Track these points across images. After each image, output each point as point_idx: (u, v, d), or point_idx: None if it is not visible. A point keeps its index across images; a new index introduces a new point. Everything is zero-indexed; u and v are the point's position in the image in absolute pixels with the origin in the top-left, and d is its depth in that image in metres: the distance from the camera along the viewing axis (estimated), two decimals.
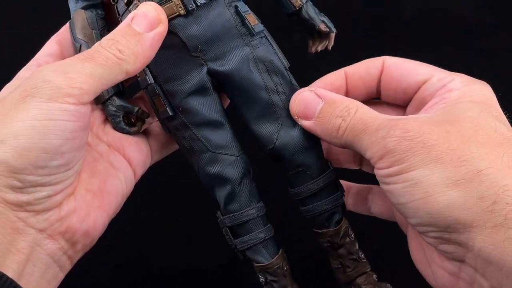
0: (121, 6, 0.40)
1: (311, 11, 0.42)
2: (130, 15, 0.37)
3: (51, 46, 0.42)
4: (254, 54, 0.40)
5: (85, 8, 0.42)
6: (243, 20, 0.39)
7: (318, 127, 0.38)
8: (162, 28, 0.37)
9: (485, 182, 0.32)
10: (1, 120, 0.33)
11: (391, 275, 0.41)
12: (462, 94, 0.37)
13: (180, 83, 0.39)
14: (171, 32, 0.38)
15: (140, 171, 0.42)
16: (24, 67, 0.41)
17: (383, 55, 0.41)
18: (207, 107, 0.40)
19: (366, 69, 0.41)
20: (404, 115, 0.41)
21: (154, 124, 0.44)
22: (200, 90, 0.40)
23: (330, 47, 0.44)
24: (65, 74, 0.34)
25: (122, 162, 0.41)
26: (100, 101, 0.41)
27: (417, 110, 0.40)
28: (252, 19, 0.40)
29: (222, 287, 0.63)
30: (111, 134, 0.41)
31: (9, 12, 0.71)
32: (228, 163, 0.40)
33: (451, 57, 0.68)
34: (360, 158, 0.45)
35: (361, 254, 0.41)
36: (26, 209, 0.33)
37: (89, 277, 0.60)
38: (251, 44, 0.40)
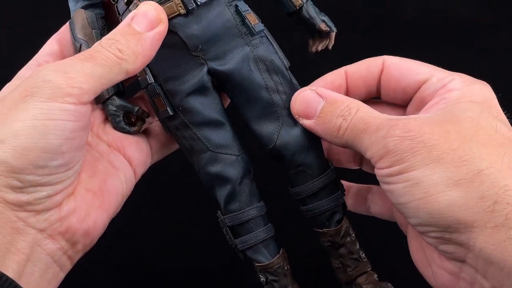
0: (121, 5, 0.40)
1: (311, 11, 0.42)
2: (130, 15, 0.37)
3: (51, 45, 0.42)
4: (254, 54, 0.40)
5: (85, 7, 0.42)
6: (243, 20, 0.39)
7: (319, 126, 0.38)
8: (162, 28, 0.37)
9: (486, 182, 0.32)
10: (1, 120, 0.33)
11: (391, 275, 0.41)
12: (462, 94, 0.37)
13: (180, 82, 0.39)
14: (171, 32, 0.38)
15: (141, 171, 0.42)
16: (24, 66, 0.41)
17: (383, 54, 0.41)
18: (208, 106, 0.40)
19: (366, 69, 0.41)
20: (404, 115, 0.41)
21: (154, 123, 0.44)
22: (200, 90, 0.40)
23: (330, 47, 0.44)
24: (65, 74, 0.34)
25: (122, 161, 0.41)
26: (100, 101, 0.41)
27: (417, 110, 0.40)
28: (252, 19, 0.40)
29: (222, 286, 0.63)
30: (111, 133, 0.41)
31: (9, 12, 0.71)
32: (229, 163, 0.40)
33: (451, 57, 0.68)
34: (360, 158, 0.45)
35: (362, 254, 0.41)
36: (26, 209, 0.33)
37: (89, 277, 0.60)
38: (251, 44, 0.40)
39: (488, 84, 0.38)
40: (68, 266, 0.37)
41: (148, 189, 0.62)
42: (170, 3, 0.38)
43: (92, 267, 0.58)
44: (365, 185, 0.46)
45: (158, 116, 0.41)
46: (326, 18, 0.43)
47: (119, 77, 0.35)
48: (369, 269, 0.41)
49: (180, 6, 0.38)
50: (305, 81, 0.41)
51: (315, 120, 0.38)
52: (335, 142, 0.38)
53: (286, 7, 0.42)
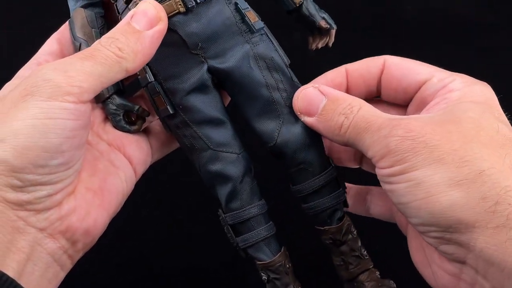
0: (120, 4, 0.40)
1: (311, 8, 0.42)
2: (129, 13, 0.37)
3: (51, 44, 0.42)
4: (254, 51, 0.40)
5: (84, 6, 0.42)
6: (243, 17, 0.39)
7: (320, 124, 0.38)
8: (161, 26, 0.37)
9: (488, 182, 0.32)
10: (1, 119, 0.33)
11: (392, 276, 0.41)
12: (463, 95, 0.37)
13: (181, 81, 0.39)
14: (171, 30, 0.38)
15: (141, 170, 0.42)
16: (24, 66, 0.41)
17: (383, 53, 0.41)
18: (208, 105, 0.40)
19: (367, 67, 0.41)
20: (404, 114, 0.41)
21: (154, 122, 0.44)
22: (200, 88, 0.39)
23: (330, 44, 0.44)
24: (65, 73, 0.34)
25: (123, 160, 0.41)
26: (100, 100, 0.41)
27: (418, 110, 0.40)
28: (252, 16, 0.40)
29: (223, 285, 0.63)
30: (111, 132, 0.41)
31: (9, 12, 0.71)
32: (229, 161, 0.40)
33: (451, 56, 0.68)
34: (360, 157, 0.45)
35: (364, 251, 0.41)
36: (26, 208, 0.33)
37: (89, 276, 0.60)
38: (251, 41, 0.40)
39: (488, 85, 0.38)
40: (69, 266, 0.37)
41: (148, 188, 0.61)
42: (170, 1, 0.38)
43: (93, 267, 0.58)
44: (364, 186, 0.46)
45: (158, 115, 0.41)
46: (326, 15, 0.43)
47: (119, 75, 0.35)
48: (371, 267, 0.41)
49: (180, 4, 0.38)
50: (305, 80, 0.41)
51: (317, 118, 0.38)
52: (337, 140, 0.38)
53: (286, 5, 0.42)
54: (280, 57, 0.40)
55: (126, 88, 0.42)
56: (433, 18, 0.72)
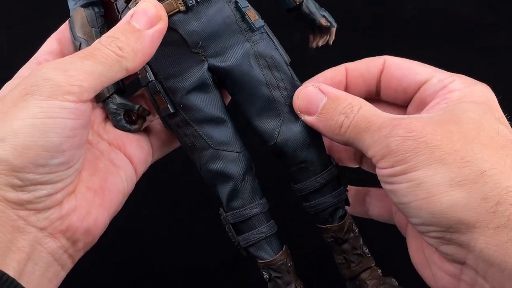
0: (120, 3, 0.40)
1: (311, 6, 0.42)
2: (129, 12, 0.37)
3: (51, 44, 0.42)
4: (254, 50, 0.39)
5: (84, 6, 0.42)
6: (243, 16, 0.39)
7: (320, 123, 0.38)
8: (162, 25, 0.37)
9: (489, 183, 0.32)
10: (1, 119, 0.33)
11: (392, 276, 0.41)
12: (464, 95, 0.37)
13: (181, 79, 0.39)
14: (171, 29, 0.38)
15: (141, 169, 0.42)
16: (24, 65, 0.41)
17: (383, 53, 0.41)
18: (209, 103, 0.40)
19: (367, 67, 0.41)
20: (404, 114, 0.41)
21: (155, 121, 0.44)
22: (201, 87, 0.39)
23: (331, 42, 0.44)
24: (65, 72, 0.34)
25: (123, 160, 0.40)
26: (100, 99, 0.41)
27: (418, 110, 0.40)
28: (252, 15, 0.40)
29: (225, 284, 0.63)
30: (111, 132, 0.41)
31: (9, 12, 0.71)
32: (230, 160, 0.40)
33: (451, 56, 0.68)
34: (360, 156, 0.45)
35: (366, 249, 0.41)
36: (26, 207, 0.33)
37: (90, 276, 0.60)
38: (251, 40, 0.40)
39: (488, 86, 0.38)
40: (69, 265, 0.37)
41: (149, 187, 0.61)
42: (170, 0, 0.38)
43: (93, 266, 0.58)
44: (363, 188, 0.46)
45: (159, 114, 0.41)
46: (326, 14, 0.43)
47: (119, 75, 0.35)
48: (373, 265, 0.41)
49: (180, 3, 0.38)
50: (304, 80, 0.41)
51: (317, 117, 0.38)
52: (337, 140, 0.38)
53: (286, 3, 0.42)
54: (280, 55, 0.40)
55: (126, 87, 0.42)
56: (433, 18, 0.72)
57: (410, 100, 0.40)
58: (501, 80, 0.44)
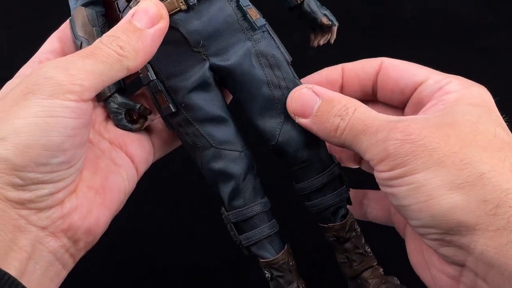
0: (121, 2, 0.40)
1: (312, 5, 0.42)
2: (130, 11, 0.37)
3: (52, 43, 0.42)
4: (256, 49, 0.39)
5: (85, 5, 0.41)
6: (244, 15, 0.39)
7: (315, 125, 0.38)
8: (163, 24, 0.37)
9: (488, 185, 0.32)
10: (3, 117, 0.33)
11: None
12: (461, 96, 0.37)
13: (182, 79, 0.39)
14: (173, 28, 0.38)
15: (143, 168, 0.42)
16: (25, 64, 0.41)
17: (382, 53, 0.41)
18: (210, 102, 0.40)
19: (363, 68, 0.41)
20: (400, 115, 0.41)
21: (156, 120, 0.44)
22: (202, 86, 0.39)
23: (332, 41, 0.44)
24: (66, 71, 0.33)
25: (124, 159, 0.40)
26: (102, 99, 0.41)
27: (415, 111, 0.40)
28: (253, 13, 0.39)
29: (226, 283, 0.63)
30: (113, 131, 0.41)
31: (9, 12, 0.71)
32: (232, 159, 0.40)
33: (450, 56, 0.68)
34: (359, 157, 0.45)
35: (368, 248, 0.41)
36: (27, 206, 0.33)
37: (91, 275, 0.60)
38: (253, 39, 0.39)
39: (485, 88, 0.38)
40: (71, 264, 0.36)
41: (150, 186, 0.61)
42: None
43: (94, 266, 0.58)
44: (361, 190, 0.46)
45: (160, 113, 0.41)
46: (327, 12, 0.43)
47: (120, 74, 0.35)
48: (374, 264, 0.41)
49: (181, 2, 0.38)
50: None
51: (311, 119, 0.38)
52: (333, 142, 0.38)
53: (288, 2, 0.42)
54: (282, 54, 0.40)
55: (127, 87, 0.42)
56: (433, 18, 0.73)
57: (407, 101, 0.40)
58: (501, 80, 0.44)
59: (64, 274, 0.36)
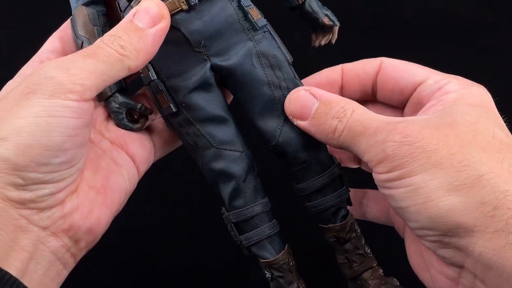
0: (122, 2, 0.40)
1: (314, 4, 0.42)
2: (132, 11, 0.36)
3: (53, 42, 0.42)
4: (257, 49, 0.39)
5: (86, 4, 0.41)
6: (246, 15, 0.39)
7: (313, 127, 0.38)
8: (164, 24, 0.36)
9: (486, 187, 0.32)
10: (4, 117, 0.33)
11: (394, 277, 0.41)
12: (460, 96, 0.36)
13: (183, 79, 0.39)
14: (174, 28, 0.38)
15: (143, 168, 0.42)
16: (26, 64, 0.41)
17: (383, 53, 0.41)
18: (211, 102, 0.40)
19: (363, 68, 0.41)
20: (400, 116, 0.41)
21: (157, 120, 0.44)
22: (203, 86, 0.39)
23: (333, 41, 0.44)
24: (67, 70, 0.33)
25: (125, 158, 0.40)
26: (102, 98, 0.41)
27: (415, 111, 0.40)
28: (255, 14, 0.39)
29: (226, 283, 0.63)
30: (114, 131, 0.41)
31: (9, 12, 0.71)
32: (233, 159, 0.40)
33: (451, 56, 0.68)
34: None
35: (368, 249, 0.41)
36: (29, 206, 0.33)
37: (92, 275, 0.60)
38: (254, 39, 0.39)
39: (485, 88, 0.38)
40: (72, 264, 0.36)
41: (151, 186, 0.62)
42: None
43: (95, 265, 0.58)
44: (360, 190, 0.46)
45: (161, 113, 0.41)
46: (329, 12, 0.43)
47: (121, 73, 0.35)
48: (374, 265, 0.41)
49: (182, 2, 0.38)
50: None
51: (309, 121, 0.38)
52: (331, 144, 0.38)
53: (289, 2, 0.42)
54: (283, 54, 0.40)
55: (128, 86, 0.42)
56: (433, 18, 0.73)
57: (407, 101, 0.40)
58: (501, 80, 0.44)
59: (65, 274, 0.36)
